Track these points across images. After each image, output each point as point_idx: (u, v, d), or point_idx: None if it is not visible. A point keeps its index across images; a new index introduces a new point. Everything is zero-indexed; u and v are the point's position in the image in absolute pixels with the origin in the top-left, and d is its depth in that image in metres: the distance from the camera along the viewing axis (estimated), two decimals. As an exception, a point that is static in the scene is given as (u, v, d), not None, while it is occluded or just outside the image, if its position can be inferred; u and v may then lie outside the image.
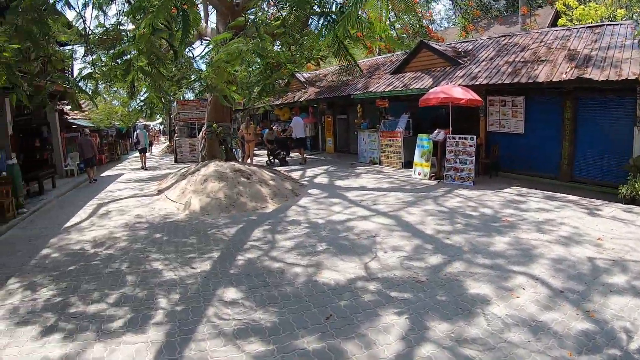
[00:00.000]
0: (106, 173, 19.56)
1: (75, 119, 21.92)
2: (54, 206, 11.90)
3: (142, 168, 19.00)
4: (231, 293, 5.31)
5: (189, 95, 26.16)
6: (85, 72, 9.64)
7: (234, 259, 6.55)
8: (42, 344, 4.46)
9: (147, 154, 20.62)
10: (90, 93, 10.01)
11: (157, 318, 4.86)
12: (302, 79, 21.58)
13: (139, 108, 18.61)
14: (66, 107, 21.73)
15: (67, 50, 12.97)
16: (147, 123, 41.97)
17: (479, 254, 5.84)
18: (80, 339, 4.51)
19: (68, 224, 9.56)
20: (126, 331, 4.61)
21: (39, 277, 6.40)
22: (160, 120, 43.77)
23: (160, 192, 11.99)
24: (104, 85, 13.40)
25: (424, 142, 11.88)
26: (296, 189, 11.18)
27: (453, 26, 31.84)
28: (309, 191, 11.13)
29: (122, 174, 18.63)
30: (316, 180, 12.70)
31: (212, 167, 11.27)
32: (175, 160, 21.59)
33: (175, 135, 24.68)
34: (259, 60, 12.93)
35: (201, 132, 12.88)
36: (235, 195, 10.02)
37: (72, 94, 9.68)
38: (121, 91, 22.25)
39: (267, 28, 9.63)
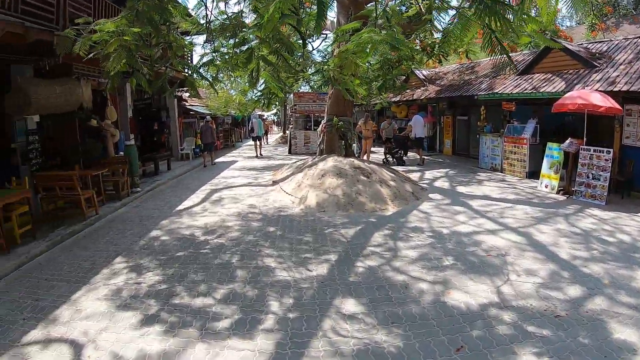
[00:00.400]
0: (220, 159, 20.57)
1: (193, 105, 23.57)
2: (168, 188, 12.58)
3: (256, 156, 20.47)
4: (350, 305, 4.88)
5: (305, 88, 26.79)
6: (206, 59, 9.98)
7: (353, 265, 6.09)
8: (141, 335, 4.34)
9: (262, 143, 22.17)
10: (210, 80, 10.31)
11: (267, 324, 4.51)
12: (422, 76, 21.10)
13: (256, 98, 19.34)
14: (185, 93, 23.51)
15: (187, 40, 13.73)
16: (262, 113, 44.13)
17: (622, 290, 5.20)
18: (182, 335, 4.31)
19: (180, 207, 9.92)
20: (232, 334, 4.32)
21: (146, 259, 6.48)
22: (274, 111, 45.66)
23: (275, 183, 11.99)
24: (223, 73, 13.89)
25: (553, 151, 10.75)
26: (417, 192, 10.47)
27: (577, 25, 28.26)
28: (430, 195, 10.46)
29: (236, 161, 19.47)
30: (436, 184, 12.00)
31: (331, 162, 10.95)
32: (289, 152, 22.07)
33: (290, 126, 25.35)
34: (375, 56, 12.62)
35: (320, 126, 12.67)
36: (354, 193, 9.57)
37: (191, 81, 10.05)
38: (239, 79, 23.49)
39: (398, 18, 9.01)
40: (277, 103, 22.59)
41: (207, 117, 20.62)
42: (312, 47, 14.06)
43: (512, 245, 6.80)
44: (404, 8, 11.29)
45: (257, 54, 10.89)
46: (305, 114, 22.23)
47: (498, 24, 6.45)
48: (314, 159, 12.51)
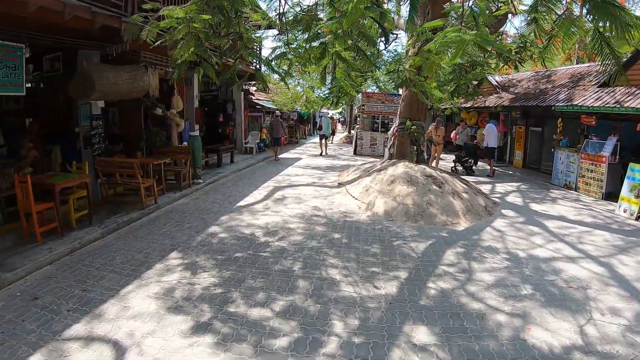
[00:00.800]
0: (284, 155, 20.34)
1: (259, 99, 23.49)
2: (229, 181, 12.35)
3: (320, 154, 20.65)
4: (422, 334, 4.28)
5: (372, 89, 26.16)
6: (278, 52, 9.62)
7: (425, 286, 5.42)
8: (190, 344, 3.92)
9: (327, 142, 22.31)
10: (282, 74, 9.98)
11: (329, 347, 3.96)
12: (495, 83, 19.85)
13: (325, 96, 18.82)
14: (252, 87, 23.54)
15: (257, 34, 13.50)
16: (328, 111, 43.82)
17: None
18: (235, 350, 3.85)
19: (241, 202, 9.60)
20: (290, 354, 3.82)
21: (202, 257, 6.10)
22: (340, 109, 45.24)
23: (340, 185, 11.43)
24: (294, 68, 13.54)
25: (635, 173, 9.53)
26: (489, 207, 9.59)
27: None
28: (503, 211, 9.56)
29: (300, 159, 19.14)
30: (508, 199, 11.01)
31: (402, 168, 10.27)
32: (355, 152, 21.57)
33: (357, 126, 24.76)
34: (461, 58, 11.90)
35: (392, 129, 11.94)
36: (425, 204, 8.84)
37: (261, 75, 9.73)
38: (308, 75, 23.19)
39: (486, 18, 8.19)
40: (344, 102, 22.08)
41: (277, 111, 21.29)
42: (385, 44, 13.26)
43: (593, 277, 6.01)
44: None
45: (330, 50, 10.46)
46: (373, 115, 21.68)
47: (614, 28, 5.50)
48: (383, 163, 11.81)
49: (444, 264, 6.25)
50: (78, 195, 7.40)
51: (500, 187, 12.66)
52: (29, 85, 11.08)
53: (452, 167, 15.32)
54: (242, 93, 19.70)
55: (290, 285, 5.23)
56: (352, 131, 26.35)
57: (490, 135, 14.82)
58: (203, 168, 13.14)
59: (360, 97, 22.06)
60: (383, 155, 19.39)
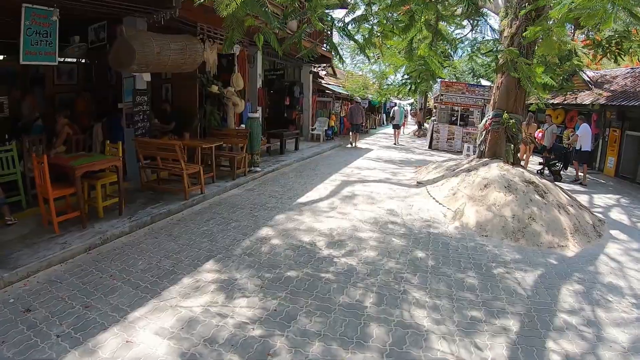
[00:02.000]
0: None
1: (329, 84, 21.90)
2: (292, 171, 10.97)
3: (394, 144, 20.46)
4: None
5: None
6: (358, 12, 8.08)
7: (544, 347, 3.68)
8: None
9: (399, 132, 22.32)
10: (361, 42, 8.42)
11: None
12: (587, 78, 17.13)
13: (403, 82, 16.93)
14: (321, 70, 22.13)
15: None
16: (399, 101, 41.67)
17: None
18: None
19: (302, 198, 8.14)
20: None
21: (244, 273, 4.66)
22: (411, 100, 42.95)
23: (420, 184, 9.68)
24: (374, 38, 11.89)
25: None
26: (597, 226, 7.60)
27: None
28: (611, 232, 7.61)
29: (371, 150, 17.52)
30: (612, 216, 8.88)
31: (496, 170, 8.38)
32: (430, 146, 19.62)
33: (433, 118, 22.78)
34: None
35: (483, 121, 9.93)
36: (527, 217, 7.00)
37: (333, 43, 8.22)
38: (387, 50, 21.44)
39: None
40: (425, 87, 20.00)
41: (357, 98, 21.29)
42: (472, 24, 11.23)
43: None
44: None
45: (418, 20, 8.87)
46: (452, 106, 19.74)
47: None
48: (471, 161, 9.86)
49: (562, 309, 4.45)
50: (107, 181, 6.20)
51: (599, 200, 10.47)
52: (82, 60, 10.25)
53: (537, 171, 13.40)
54: (311, 76, 18.29)
55: (359, 333, 3.65)
56: (427, 124, 24.25)
57: (585, 137, 12.86)
58: (263, 154, 11.87)
59: (439, 87, 19.96)
60: (461, 152, 17.43)
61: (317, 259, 5.16)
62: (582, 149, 12.82)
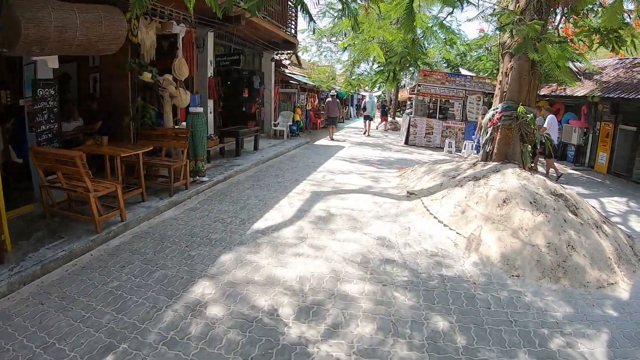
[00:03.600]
0: (321, 141, 16.87)
1: (293, 73, 19.83)
2: (249, 179, 8.92)
3: (364, 133, 21.40)
4: None
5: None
6: None
7: None
8: None
9: (370, 123, 22.70)
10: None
11: None
12: (575, 69, 16.26)
13: (380, 69, 15.06)
14: (284, 58, 20.17)
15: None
16: (367, 94, 39.97)
17: None
18: None
19: (260, 222, 6.15)
20: None
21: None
22: (379, 92, 41.38)
23: (411, 194, 7.79)
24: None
25: None
26: (632, 245, 6.04)
27: None
28: None
29: (342, 147, 15.62)
30: (633, 226, 7.34)
31: (514, 178, 6.65)
32: (407, 142, 17.90)
33: (409, 111, 21.15)
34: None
35: (489, 115, 8.09)
36: (566, 246, 5.33)
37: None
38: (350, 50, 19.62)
39: None
40: (407, 75, 18.25)
41: (333, 91, 20.50)
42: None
43: None
44: None
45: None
46: (430, 98, 18.22)
47: None
48: (474, 164, 8.03)
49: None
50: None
51: (608, 204, 9.01)
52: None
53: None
54: (273, 64, 16.23)
55: None
56: (402, 117, 22.73)
57: (552, 130, 11.69)
58: (215, 157, 9.86)
59: (416, 76, 18.22)
60: (442, 148, 15.75)
61: (281, 350, 3.16)
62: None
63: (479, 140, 15.55)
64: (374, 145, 17.03)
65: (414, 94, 19.26)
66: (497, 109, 7.80)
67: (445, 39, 14.88)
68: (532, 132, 7.67)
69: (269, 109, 16.40)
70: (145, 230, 5.62)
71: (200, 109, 7.91)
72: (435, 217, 6.44)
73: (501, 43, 8.17)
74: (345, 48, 16.87)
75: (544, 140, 7.82)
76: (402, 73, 17.38)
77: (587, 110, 15.63)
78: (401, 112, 39.27)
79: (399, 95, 31.17)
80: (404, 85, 29.42)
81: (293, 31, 15.56)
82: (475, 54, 24.06)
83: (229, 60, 11.44)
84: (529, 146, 7.46)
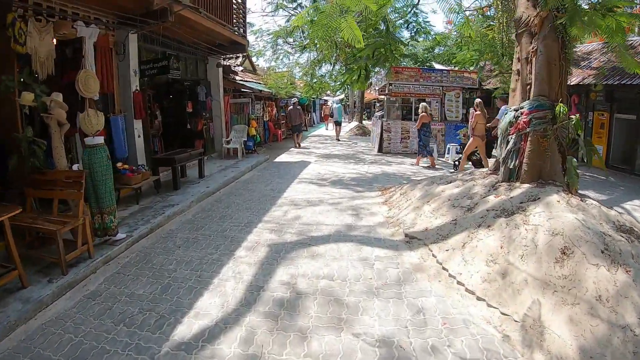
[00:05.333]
0: (283, 157, 14.69)
1: (246, 80, 17.52)
2: (183, 228, 6.62)
3: (336, 139, 21.31)
4: None
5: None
6: None
7: None
8: None
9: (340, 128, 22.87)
10: None
11: None
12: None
13: (348, 68, 13.02)
14: (235, 64, 17.96)
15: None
16: (329, 98, 38.01)
17: None
18: None
19: (184, 325, 3.85)
20: None
21: None
22: (342, 96, 39.54)
23: (411, 238, 5.61)
24: None
25: None
26: None
27: None
28: None
29: (308, 162, 13.44)
30: None
31: (565, 211, 4.64)
32: (380, 149, 15.93)
33: (378, 113, 19.19)
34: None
35: (508, 118, 5.95)
36: None
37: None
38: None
39: None
40: (384, 69, 16.14)
41: (294, 98, 20.33)
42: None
43: None
44: None
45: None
46: (404, 97, 16.26)
47: None
48: (494, 186, 5.85)
49: None
50: None
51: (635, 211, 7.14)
52: None
53: (454, 161, 12.03)
54: (220, 71, 13.90)
55: None
56: (373, 120, 20.97)
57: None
58: (148, 195, 7.58)
59: (385, 74, 16.20)
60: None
61: None
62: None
63: (459, 141, 13.62)
64: (344, 156, 14.90)
65: (384, 94, 17.32)
66: (521, 108, 5.70)
67: (414, 29, 13.03)
68: (572, 138, 5.62)
69: (219, 124, 14.07)
70: (13, 351, 3.31)
71: (100, 140, 5.53)
72: (459, 283, 4.27)
73: (515, 19, 6.12)
74: (304, 47, 14.68)
75: (583, 147, 5.75)
76: (375, 70, 15.31)
77: (577, 100, 14.18)
78: (367, 114, 37.50)
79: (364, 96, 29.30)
80: (370, 84, 27.54)
81: (242, 30, 13.30)
82: (442, 48, 22.36)
83: (155, 68, 9.07)
84: (574, 159, 5.38)
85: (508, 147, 5.77)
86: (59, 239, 4.56)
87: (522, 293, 3.80)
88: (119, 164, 7.80)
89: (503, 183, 5.79)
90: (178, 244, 5.77)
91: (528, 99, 5.77)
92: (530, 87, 5.76)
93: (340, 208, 7.38)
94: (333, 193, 8.64)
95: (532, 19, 5.79)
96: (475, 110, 10.59)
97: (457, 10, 8.08)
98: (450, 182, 6.78)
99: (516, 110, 5.78)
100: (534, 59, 5.73)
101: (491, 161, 11.87)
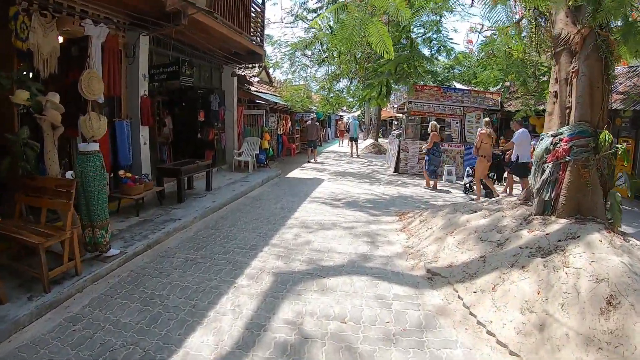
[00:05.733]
0: (296, 172, 14.25)
1: (261, 92, 17.16)
2: (183, 246, 6.16)
3: (351, 156, 21.29)
4: None
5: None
6: None
7: None
8: None
9: (357, 144, 22.92)
10: None
11: None
12: None
13: (368, 83, 12.58)
14: (251, 74, 17.63)
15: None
16: (345, 114, 37.73)
17: None
18: None
19: (178, 355, 3.41)
20: None
21: None
22: (357, 112, 39.13)
23: (433, 274, 5.05)
24: None
25: None
26: None
27: None
28: None
29: (321, 180, 12.96)
30: None
31: (608, 252, 4.09)
32: (397, 170, 15.34)
33: (397, 132, 18.66)
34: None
35: (544, 144, 5.37)
36: None
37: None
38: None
39: None
40: (407, 86, 15.58)
41: (312, 114, 20.66)
42: None
43: None
44: None
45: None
46: (424, 117, 15.58)
47: None
48: (527, 220, 5.25)
49: None
50: None
51: None
52: None
53: (465, 185, 11.67)
54: (235, 80, 13.54)
55: None
56: (390, 138, 20.53)
57: (522, 145, 10.25)
58: (150, 206, 7.18)
59: (407, 91, 15.66)
60: (441, 176, 13.18)
61: None
62: (518, 160, 10.24)
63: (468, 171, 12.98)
64: (359, 175, 14.38)
65: (403, 112, 16.81)
66: (560, 134, 5.16)
67: (436, 46, 12.53)
68: (611, 169, 5.07)
69: (231, 135, 13.68)
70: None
71: (95, 147, 5.09)
72: (489, 333, 3.71)
73: (554, 37, 5.62)
74: (323, 61, 14.24)
75: (627, 180, 5.19)
76: (396, 86, 14.83)
77: (601, 126, 13.60)
78: (383, 133, 37.01)
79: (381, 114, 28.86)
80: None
81: (259, 39, 12.96)
82: (462, 68, 21.79)
83: (165, 73, 8.71)
84: (618, 194, 4.83)
85: (543, 176, 5.22)
86: (42, 254, 4.11)
87: (563, 350, 3.24)
88: (121, 172, 7.40)
89: (537, 216, 5.23)
90: (175, 264, 5.28)
91: (567, 124, 5.23)
92: (570, 111, 5.23)
93: (354, 233, 6.85)
94: (347, 216, 8.11)
95: (572, 36, 5.29)
96: (483, 129, 10.15)
97: (477, 30, 7.60)
98: (476, 212, 6.24)
99: (554, 135, 5.25)
100: (574, 80, 5.21)
101: (499, 188, 11.55)
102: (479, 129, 10.43)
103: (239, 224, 7.21)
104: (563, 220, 4.87)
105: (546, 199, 5.15)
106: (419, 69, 8.70)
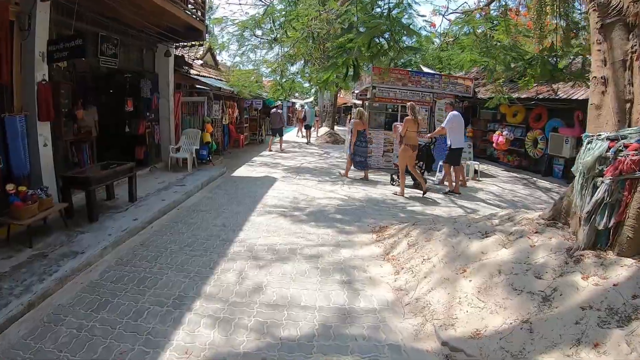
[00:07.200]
0: (244, 169, 12.54)
1: (203, 75, 15.11)
2: (79, 302, 4.26)
3: (307, 143, 21.91)
4: None
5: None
6: None
7: None
8: None
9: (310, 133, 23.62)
10: None
11: None
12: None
13: (332, 62, 10.88)
14: (189, 53, 15.62)
15: None
16: (297, 100, 35.99)
17: None
18: None
19: None
20: None
21: None
22: (311, 99, 37.48)
23: (453, 350, 3.39)
24: None
25: None
26: None
27: None
28: None
29: (274, 178, 11.21)
30: None
31: None
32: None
33: (353, 120, 17.12)
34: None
35: (596, 152, 3.79)
36: None
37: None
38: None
39: None
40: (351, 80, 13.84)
41: (277, 102, 20.02)
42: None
43: None
44: None
45: None
46: (388, 103, 14.14)
47: None
48: (574, 256, 3.67)
49: None
50: None
51: None
52: None
53: (391, 176, 11.20)
54: (171, 61, 11.54)
55: None
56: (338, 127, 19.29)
57: (454, 129, 9.82)
58: (54, 228, 5.29)
59: (370, 76, 14.00)
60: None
61: None
62: (451, 146, 9.87)
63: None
64: (318, 172, 12.71)
65: (364, 99, 15.20)
66: (623, 137, 3.63)
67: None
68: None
69: (166, 127, 11.67)
70: None
71: None
72: None
73: (601, 4, 4.08)
74: (275, 39, 12.28)
75: None
76: (369, 66, 13.24)
77: (582, 116, 12.61)
78: (338, 120, 35.49)
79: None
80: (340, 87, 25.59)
81: (199, 13, 10.95)
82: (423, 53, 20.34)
83: (67, 49, 6.66)
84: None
85: (597, 196, 3.69)
86: None
87: None
88: (10, 187, 5.44)
89: (586, 251, 3.72)
90: (61, 341, 3.43)
91: (628, 123, 3.73)
92: (632, 105, 3.73)
93: (322, 266, 5.13)
94: (309, 234, 6.39)
95: (628, 5, 3.79)
96: (408, 115, 9.10)
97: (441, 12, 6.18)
98: (487, 235, 4.69)
99: (611, 139, 3.72)
100: (636, 62, 3.71)
101: (429, 177, 11.07)
102: (407, 116, 9.11)
103: (163, 256, 5.34)
104: (630, 261, 3.38)
105: (600, 227, 3.64)
106: (400, 44, 7.10)
